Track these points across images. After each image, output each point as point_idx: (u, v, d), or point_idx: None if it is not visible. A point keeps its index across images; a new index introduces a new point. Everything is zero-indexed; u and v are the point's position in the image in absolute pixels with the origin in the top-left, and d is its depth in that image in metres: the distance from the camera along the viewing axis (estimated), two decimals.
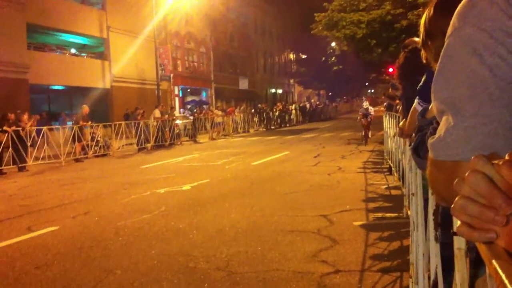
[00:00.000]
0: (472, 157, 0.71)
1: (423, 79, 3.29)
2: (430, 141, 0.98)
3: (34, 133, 17.12)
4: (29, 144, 16.55)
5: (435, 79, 1.00)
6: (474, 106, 0.91)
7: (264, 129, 35.41)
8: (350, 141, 20.90)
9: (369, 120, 19.29)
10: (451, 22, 0.99)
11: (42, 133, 17.35)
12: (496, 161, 0.69)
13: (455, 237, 1.09)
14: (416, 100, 3.23)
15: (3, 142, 15.54)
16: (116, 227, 7.20)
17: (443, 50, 1.00)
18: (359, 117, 20.10)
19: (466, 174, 0.72)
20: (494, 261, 0.63)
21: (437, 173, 0.98)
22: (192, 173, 12.96)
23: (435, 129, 1.18)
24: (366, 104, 20.36)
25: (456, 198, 0.73)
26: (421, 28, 1.57)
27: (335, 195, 8.96)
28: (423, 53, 1.65)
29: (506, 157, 0.69)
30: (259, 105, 39.96)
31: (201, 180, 11.42)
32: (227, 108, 35.63)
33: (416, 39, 4.90)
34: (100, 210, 8.60)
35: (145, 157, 19.14)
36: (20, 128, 16.37)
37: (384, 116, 12.87)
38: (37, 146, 17.08)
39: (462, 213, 0.72)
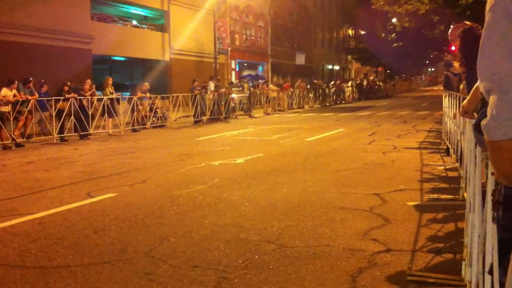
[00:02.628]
0: None
1: None
2: (483, 123, 0.95)
3: (95, 102, 17.65)
4: (90, 113, 17.09)
5: (479, 58, 0.96)
6: None
7: (319, 106, 35.13)
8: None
9: None
10: None
11: (103, 102, 17.84)
12: None
13: None
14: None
15: (66, 110, 16.12)
16: (172, 196, 7.38)
17: (484, 27, 0.95)
18: None
19: None
20: None
21: (498, 153, 0.95)
22: (246, 147, 13.06)
23: None
24: None
25: None
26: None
27: (389, 174, 8.83)
28: None
29: None
30: (315, 81, 39.43)
31: (254, 154, 11.50)
32: (283, 83, 35.48)
33: (467, 22, 4.74)
34: (157, 179, 8.83)
35: (200, 129, 19.42)
36: (82, 97, 16.92)
37: (443, 96, 12.52)
38: (97, 115, 17.61)
39: None
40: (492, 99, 0.91)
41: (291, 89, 33.00)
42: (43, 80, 17.03)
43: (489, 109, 0.92)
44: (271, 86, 30.65)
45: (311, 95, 35.58)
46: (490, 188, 2.31)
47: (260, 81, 35.73)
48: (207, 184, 8.19)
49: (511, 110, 0.87)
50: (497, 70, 0.89)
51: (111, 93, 18.44)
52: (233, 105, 25.76)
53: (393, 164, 9.92)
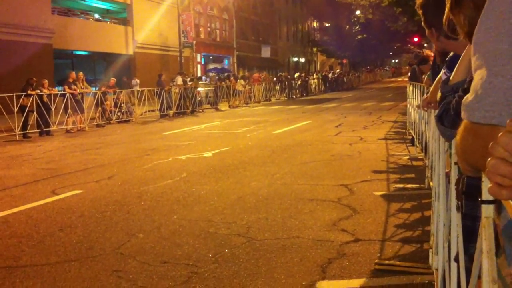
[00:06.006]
0: (508, 120, 0.70)
1: None
2: (464, 101, 0.91)
3: (57, 98, 17.27)
4: (53, 109, 16.75)
5: (477, 30, 0.92)
6: None
7: (285, 98, 35.23)
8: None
9: None
10: None
11: (65, 98, 17.47)
12: None
13: (483, 206, 1.07)
14: (442, 70, 3.18)
15: (28, 106, 15.75)
16: (139, 191, 7.31)
17: None
18: None
19: (499, 135, 0.70)
20: None
21: (471, 139, 0.92)
22: (214, 141, 13.02)
23: (461, 98, 1.14)
24: None
25: (489, 159, 0.72)
26: None
27: (356, 165, 8.93)
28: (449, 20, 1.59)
29: None
30: (280, 74, 39.33)
31: (222, 148, 11.48)
32: (250, 76, 35.40)
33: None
34: (123, 175, 8.72)
35: (167, 123, 19.26)
36: (44, 93, 16.54)
37: (408, 87, 12.71)
38: (61, 111, 17.26)
39: (494, 173, 0.72)
40: (479, 77, 0.86)
41: (260, 81, 32.97)
42: None
43: (473, 85, 0.87)
44: (240, 81, 30.47)
45: (277, 87, 35.65)
46: (453, 177, 2.35)
47: (226, 74, 35.61)
48: (175, 179, 8.14)
49: (496, 95, 0.82)
50: (493, 48, 0.84)
51: (82, 89, 18.10)
52: (199, 98, 25.61)
53: (359, 155, 10.04)
